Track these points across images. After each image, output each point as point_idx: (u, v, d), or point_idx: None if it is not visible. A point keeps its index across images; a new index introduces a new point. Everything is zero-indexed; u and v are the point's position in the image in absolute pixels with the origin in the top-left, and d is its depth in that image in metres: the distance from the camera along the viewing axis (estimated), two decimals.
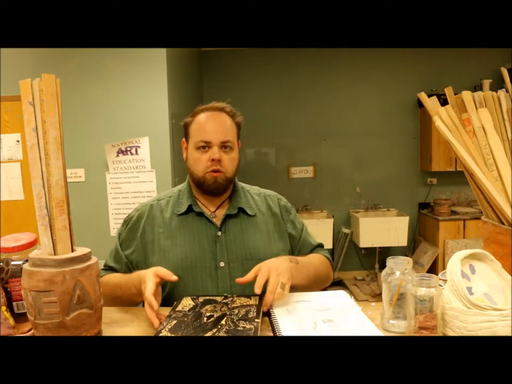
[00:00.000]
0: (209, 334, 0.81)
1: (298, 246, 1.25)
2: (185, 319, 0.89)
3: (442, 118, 0.95)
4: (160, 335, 0.82)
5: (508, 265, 0.84)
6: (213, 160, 1.12)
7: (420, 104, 3.99)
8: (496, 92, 0.95)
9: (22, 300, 0.85)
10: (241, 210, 1.20)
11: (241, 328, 0.83)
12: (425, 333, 0.78)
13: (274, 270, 0.98)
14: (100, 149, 2.68)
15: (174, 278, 0.96)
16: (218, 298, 1.00)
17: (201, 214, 1.18)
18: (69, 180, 0.81)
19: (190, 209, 1.18)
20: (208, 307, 0.95)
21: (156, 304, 0.90)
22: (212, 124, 1.15)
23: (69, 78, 2.58)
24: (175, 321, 0.88)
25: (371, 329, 0.85)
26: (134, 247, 1.18)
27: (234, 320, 0.87)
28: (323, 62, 4.24)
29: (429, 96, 0.99)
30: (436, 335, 0.78)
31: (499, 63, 3.65)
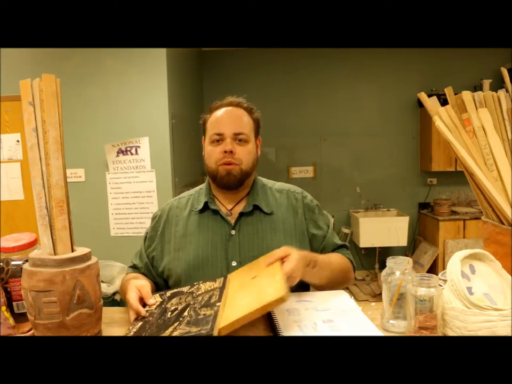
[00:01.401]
0: (170, 328, 0.81)
1: (321, 245, 1.20)
2: (151, 318, 0.89)
3: (442, 118, 0.95)
4: None
5: (508, 265, 0.84)
6: (225, 152, 1.11)
7: (420, 104, 3.99)
8: (496, 92, 0.95)
9: (22, 299, 0.85)
10: (257, 207, 1.16)
11: (202, 316, 0.82)
12: (425, 333, 0.78)
13: (296, 269, 0.95)
14: (100, 149, 2.68)
15: (151, 302, 0.97)
16: (185, 289, 0.99)
17: (216, 212, 1.16)
18: (69, 180, 0.82)
19: (206, 207, 1.17)
20: (174, 300, 0.94)
21: (143, 311, 0.93)
22: (226, 117, 1.14)
23: (69, 78, 2.58)
24: (140, 323, 0.88)
25: (371, 329, 0.85)
26: (154, 245, 1.20)
27: (197, 309, 0.86)
28: (323, 62, 4.24)
29: (429, 96, 0.99)
30: (436, 335, 0.78)
31: (499, 63, 3.63)
